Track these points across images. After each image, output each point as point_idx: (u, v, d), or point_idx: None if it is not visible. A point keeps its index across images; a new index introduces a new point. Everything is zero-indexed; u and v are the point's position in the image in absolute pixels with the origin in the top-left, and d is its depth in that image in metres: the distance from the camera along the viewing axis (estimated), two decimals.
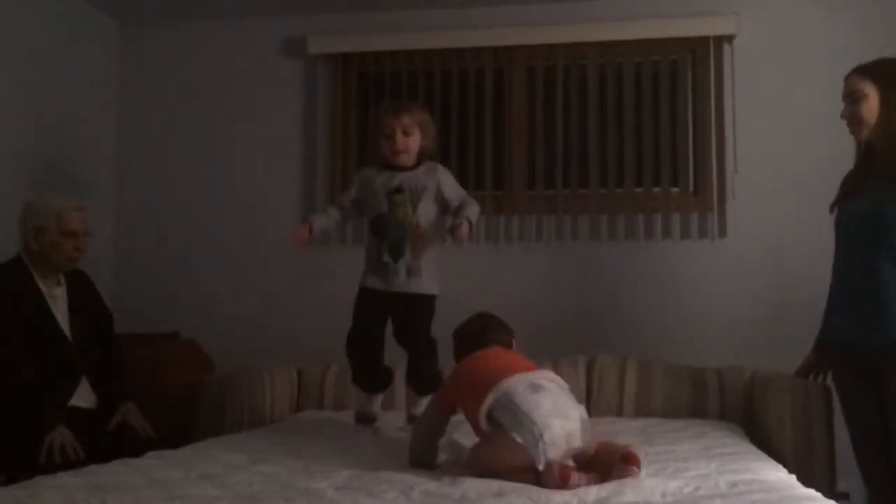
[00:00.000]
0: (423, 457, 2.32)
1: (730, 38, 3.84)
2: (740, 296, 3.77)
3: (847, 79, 2.58)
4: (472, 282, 3.75)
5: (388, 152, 2.75)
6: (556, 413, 2.06)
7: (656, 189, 3.86)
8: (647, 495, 1.87)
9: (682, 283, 3.82)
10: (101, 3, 4.09)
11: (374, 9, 4.08)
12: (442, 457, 2.35)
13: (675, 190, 3.88)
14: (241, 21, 4.25)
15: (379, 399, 2.97)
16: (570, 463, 2.08)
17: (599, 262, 3.89)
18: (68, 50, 3.95)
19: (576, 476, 1.98)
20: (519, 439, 2.02)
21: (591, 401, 3.30)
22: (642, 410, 3.29)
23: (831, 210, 2.66)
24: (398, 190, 2.72)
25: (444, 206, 2.79)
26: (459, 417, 2.35)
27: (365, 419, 2.94)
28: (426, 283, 2.75)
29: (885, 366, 2.45)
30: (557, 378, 2.26)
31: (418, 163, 2.78)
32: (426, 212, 2.75)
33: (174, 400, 3.34)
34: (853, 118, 2.56)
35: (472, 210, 2.76)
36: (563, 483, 1.95)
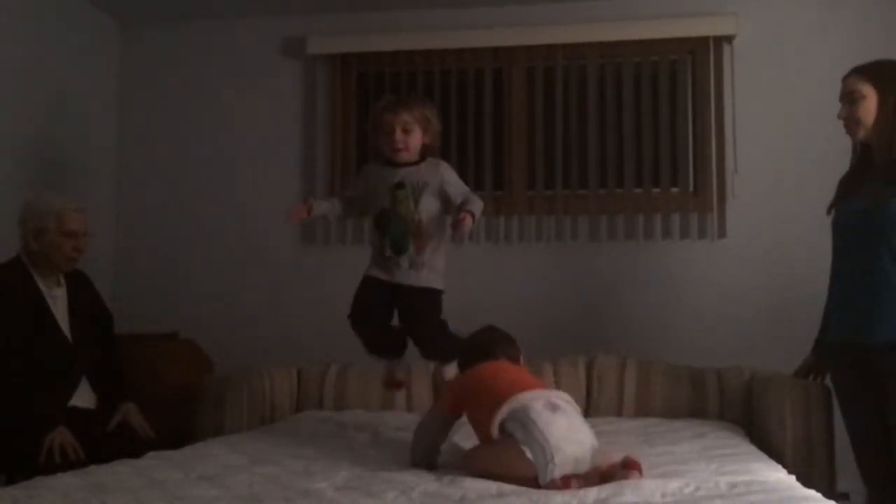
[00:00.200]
0: (425, 457, 2.32)
1: (729, 39, 3.84)
2: (740, 296, 3.77)
3: (845, 79, 2.58)
4: (472, 282, 3.73)
5: (388, 150, 2.74)
6: (571, 437, 2.06)
7: (656, 189, 3.86)
8: (646, 496, 1.87)
9: (681, 283, 3.82)
10: (101, 3, 4.09)
11: (374, 9, 4.08)
12: (442, 458, 2.34)
13: (674, 190, 3.88)
14: (240, 21, 4.25)
15: (401, 364, 2.86)
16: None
17: (599, 262, 3.89)
18: (68, 50, 3.95)
19: (576, 482, 1.98)
20: (529, 454, 2.02)
21: (590, 401, 3.29)
22: (642, 410, 3.28)
23: (828, 211, 2.66)
24: (400, 185, 2.70)
25: (446, 201, 2.74)
26: (460, 419, 2.35)
27: (393, 384, 2.88)
28: (429, 276, 2.70)
29: (883, 365, 2.45)
30: (571, 399, 2.25)
31: (421, 158, 2.77)
32: (428, 207, 2.72)
33: (174, 400, 3.34)
34: (850, 119, 2.55)
35: (476, 206, 2.73)
36: (563, 488, 1.96)
